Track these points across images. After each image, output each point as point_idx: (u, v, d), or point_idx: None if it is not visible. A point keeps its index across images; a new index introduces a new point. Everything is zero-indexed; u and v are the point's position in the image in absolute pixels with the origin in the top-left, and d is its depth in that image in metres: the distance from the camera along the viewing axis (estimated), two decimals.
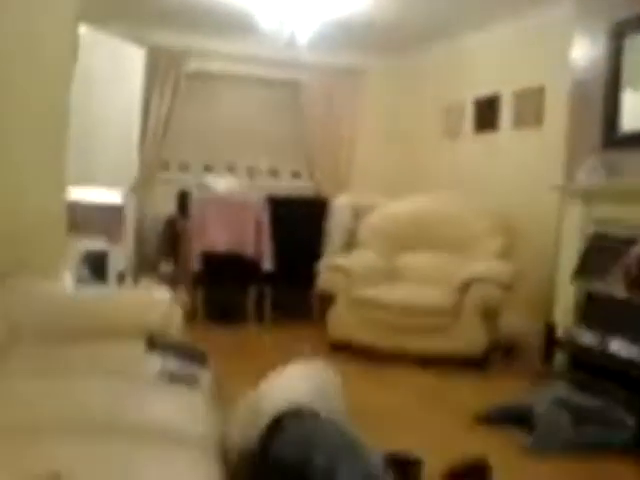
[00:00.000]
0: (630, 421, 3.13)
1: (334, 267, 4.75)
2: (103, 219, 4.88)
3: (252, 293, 5.51)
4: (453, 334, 4.41)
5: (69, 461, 1.15)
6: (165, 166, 6.32)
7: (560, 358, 4.18)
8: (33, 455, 1.40)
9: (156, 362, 2.43)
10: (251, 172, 6.58)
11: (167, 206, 5.91)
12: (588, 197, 4.15)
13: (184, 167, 6.43)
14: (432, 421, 3.43)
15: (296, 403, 2.44)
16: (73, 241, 4.29)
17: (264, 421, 2.38)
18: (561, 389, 3.70)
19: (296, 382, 2.66)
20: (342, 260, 4.87)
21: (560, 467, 2.93)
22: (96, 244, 4.77)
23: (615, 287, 3.82)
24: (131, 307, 2.94)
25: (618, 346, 3.74)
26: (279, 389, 2.58)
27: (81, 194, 4.63)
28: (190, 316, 4.73)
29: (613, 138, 4.11)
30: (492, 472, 2.50)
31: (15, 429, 1.71)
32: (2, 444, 1.56)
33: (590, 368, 3.88)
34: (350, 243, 5.39)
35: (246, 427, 2.45)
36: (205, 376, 2.48)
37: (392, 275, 4.98)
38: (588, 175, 4.12)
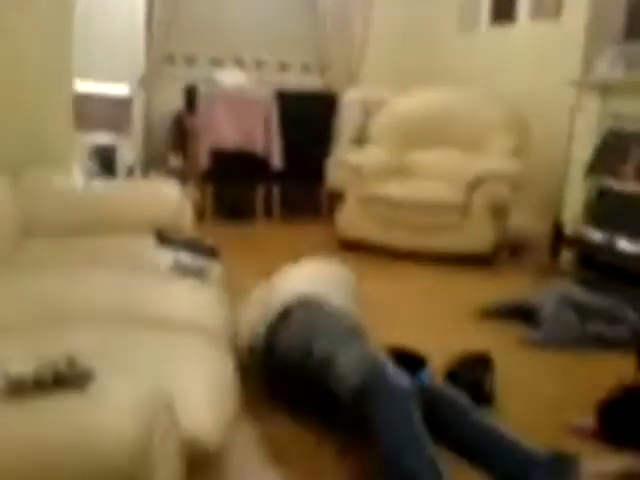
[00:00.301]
0: (636, 318, 3.18)
1: (344, 164, 4.71)
2: (111, 113, 4.82)
3: (261, 190, 5.51)
4: (462, 232, 4.42)
5: (83, 347, 1.18)
6: (171, 60, 6.18)
7: (567, 256, 4.21)
8: (48, 342, 1.44)
9: (167, 255, 2.46)
10: (259, 66, 6.44)
11: (174, 102, 5.82)
12: (606, 90, 4.04)
13: (190, 61, 6.28)
14: (439, 316, 3.49)
15: (304, 295, 2.50)
16: (81, 135, 4.26)
17: (272, 314, 2.44)
18: (568, 287, 3.74)
19: (307, 276, 2.70)
20: (352, 157, 4.82)
21: (563, 362, 3.00)
22: (104, 138, 4.74)
23: (627, 183, 3.79)
24: (141, 201, 2.94)
25: (626, 244, 3.75)
26: (290, 283, 2.62)
27: (88, 88, 4.56)
28: (199, 213, 4.75)
29: (636, 28, 3.96)
30: (494, 365, 2.56)
31: (30, 319, 1.75)
32: (19, 333, 1.60)
33: (598, 266, 3.91)
34: (360, 140, 5.33)
35: (256, 322, 2.51)
36: (216, 270, 2.51)
37: (403, 172, 4.95)
38: (607, 67, 4.00)
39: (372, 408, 1.97)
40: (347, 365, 2.11)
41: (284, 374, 2.38)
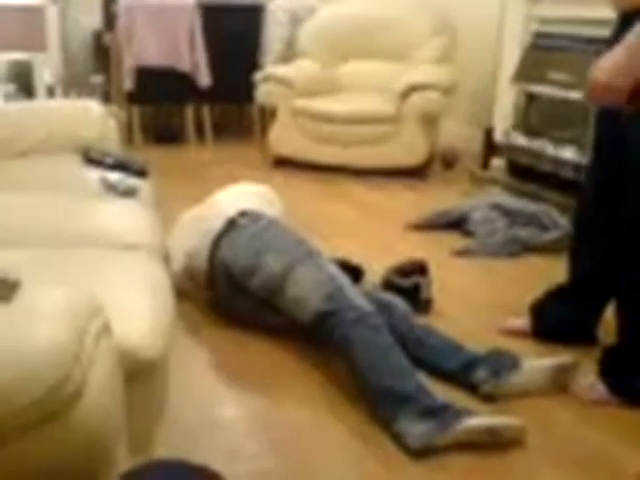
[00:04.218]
0: (563, 221, 3.26)
1: (274, 78, 4.59)
2: (23, 27, 4.53)
3: (190, 110, 5.35)
4: (395, 144, 4.40)
5: (11, 264, 1.13)
6: None
7: (498, 163, 4.25)
8: None
9: (94, 175, 2.38)
10: None
11: (93, 18, 5.55)
12: None
13: None
14: (373, 230, 3.51)
15: (249, 210, 2.48)
16: None
17: (217, 229, 2.42)
18: (497, 194, 3.81)
19: (241, 196, 2.67)
20: (282, 70, 4.70)
21: (494, 266, 3.07)
22: (18, 56, 4.46)
23: (555, 88, 3.81)
24: (65, 121, 2.81)
25: (555, 150, 3.81)
26: (225, 202, 2.59)
27: None
28: (127, 137, 4.60)
29: None
30: (430, 270, 2.60)
31: None
32: None
33: (527, 173, 3.98)
34: (288, 55, 5.19)
35: (196, 241, 2.48)
36: (145, 188, 2.45)
37: (334, 85, 4.86)
38: None
39: (339, 334, 1.99)
40: (304, 285, 2.13)
41: (228, 287, 2.37)
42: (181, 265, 2.52)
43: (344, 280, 2.16)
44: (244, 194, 2.70)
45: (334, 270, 2.20)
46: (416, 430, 1.76)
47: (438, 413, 1.77)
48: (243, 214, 2.45)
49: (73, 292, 0.96)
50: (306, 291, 2.11)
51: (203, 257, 2.41)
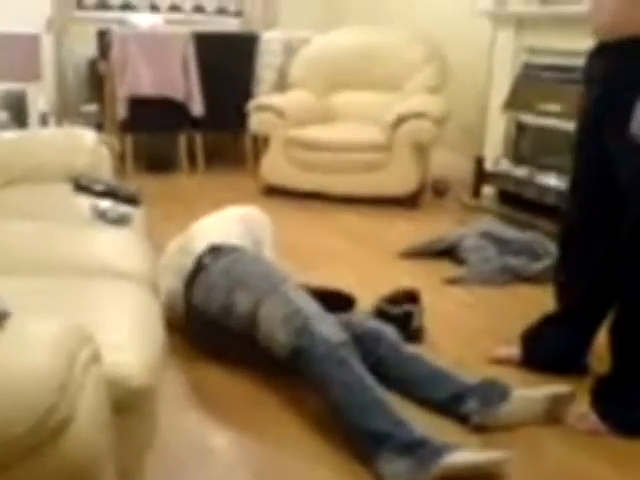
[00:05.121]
0: (553, 248, 3.26)
1: (266, 107, 4.63)
2: (18, 55, 4.54)
3: (183, 139, 5.37)
4: (386, 173, 4.41)
5: (15, 299, 1.12)
6: (80, 4, 5.90)
7: (489, 192, 4.28)
8: None
9: (85, 203, 2.38)
10: (174, 10, 6.21)
11: (87, 48, 5.58)
12: (520, 24, 4.06)
13: (102, 5, 6.01)
14: (365, 259, 3.50)
15: (217, 245, 2.43)
16: None
17: (187, 269, 2.40)
18: (488, 223, 3.82)
19: (224, 225, 2.65)
20: (275, 99, 4.74)
21: (485, 295, 3.07)
22: (12, 85, 4.47)
23: (544, 118, 3.85)
24: (57, 149, 2.82)
25: (545, 178, 3.84)
26: (202, 235, 2.56)
27: None
28: (120, 165, 4.60)
29: None
30: (422, 299, 2.60)
31: None
32: None
33: (517, 201, 4.00)
34: (281, 84, 5.24)
35: (173, 280, 2.47)
36: (137, 216, 2.45)
37: (327, 115, 4.89)
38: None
39: (312, 371, 1.95)
40: (272, 321, 2.08)
41: (208, 328, 2.35)
42: (164, 299, 2.50)
43: (312, 309, 2.09)
44: (224, 220, 2.68)
45: (301, 300, 2.12)
46: (395, 469, 1.72)
47: (417, 449, 1.72)
48: (211, 250, 2.41)
49: (63, 321, 0.96)
50: (274, 327, 2.07)
51: (180, 296, 2.42)
